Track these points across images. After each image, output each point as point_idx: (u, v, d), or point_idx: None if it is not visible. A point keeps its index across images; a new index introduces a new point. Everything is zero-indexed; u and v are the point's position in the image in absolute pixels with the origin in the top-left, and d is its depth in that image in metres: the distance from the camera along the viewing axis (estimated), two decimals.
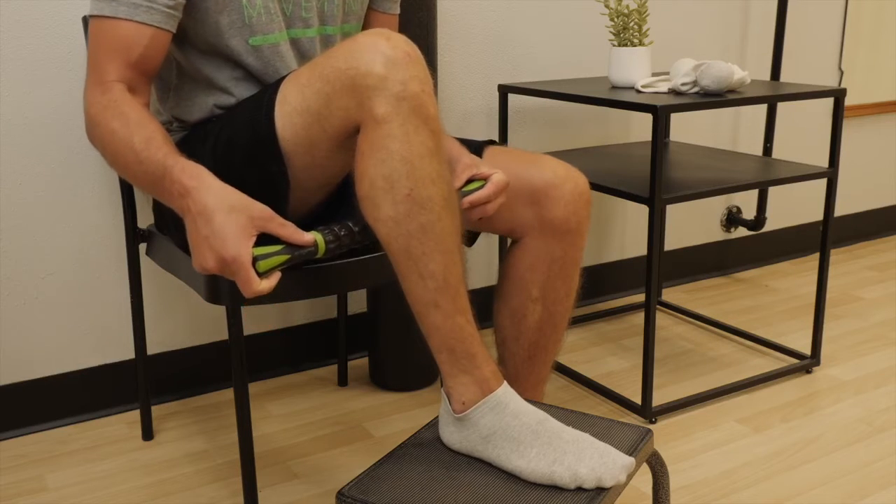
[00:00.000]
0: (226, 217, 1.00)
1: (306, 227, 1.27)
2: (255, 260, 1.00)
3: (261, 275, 1.01)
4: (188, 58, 1.28)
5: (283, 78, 1.15)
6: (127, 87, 1.17)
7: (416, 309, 1.02)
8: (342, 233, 1.08)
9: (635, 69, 1.81)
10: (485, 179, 1.20)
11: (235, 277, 1.00)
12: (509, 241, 1.36)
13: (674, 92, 1.74)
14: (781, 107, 2.60)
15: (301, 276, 1.25)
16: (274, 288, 1.02)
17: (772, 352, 2.06)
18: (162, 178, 1.07)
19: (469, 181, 1.20)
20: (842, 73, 2.72)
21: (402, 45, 1.02)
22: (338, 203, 1.25)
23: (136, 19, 1.15)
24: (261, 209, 1.02)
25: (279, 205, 1.15)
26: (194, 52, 1.27)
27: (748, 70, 2.51)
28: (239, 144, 1.17)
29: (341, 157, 1.10)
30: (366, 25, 1.43)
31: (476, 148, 1.33)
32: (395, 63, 1.00)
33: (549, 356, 1.37)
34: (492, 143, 1.37)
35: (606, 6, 1.84)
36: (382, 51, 1.00)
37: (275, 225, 1.03)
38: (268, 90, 1.15)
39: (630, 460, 0.99)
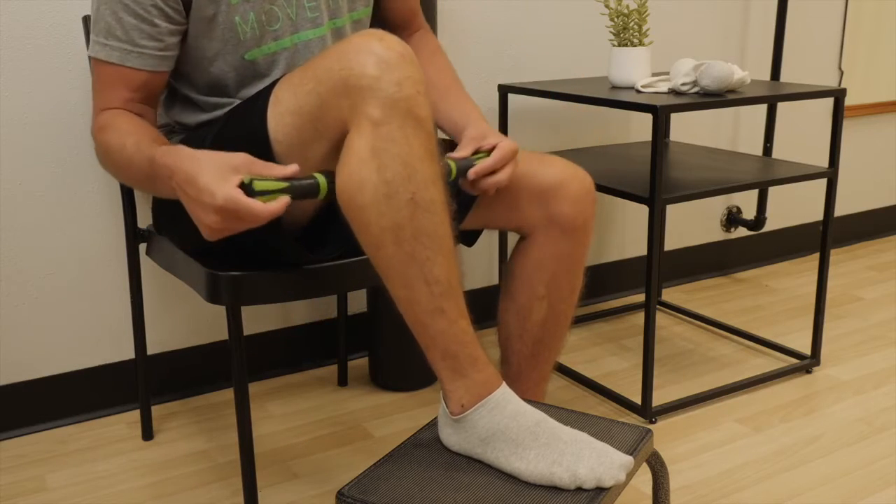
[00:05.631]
0: (208, 173, 1.00)
1: (304, 234, 1.27)
2: (250, 187, 1.00)
3: (260, 194, 1.00)
4: (180, 85, 1.29)
5: (277, 79, 1.14)
6: (130, 111, 1.21)
7: (419, 317, 1.00)
8: None
9: (635, 69, 1.81)
10: (491, 149, 1.20)
11: (239, 216, 0.99)
12: (516, 239, 1.37)
13: (674, 92, 1.74)
14: (781, 107, 2.60)
15: (301, 276, 1.25)
16: (284, 208, 1.01)
17: (772, 352, 2.06)
18: (151, 168, 1.10)
19: (475, 153, 1.20)
20: (842, 73, 2.72)
21: (396, 46, 1.01)
22: (335, 208, 1.25)
23: (126, 65, 1.18)
24: (240, 157, 1.02)
25: None
26: (185, 82, 1.29)
27: (748, 70, 2.51)
28: (234, 145, 1.16)
29: (335, 160, 1.10)
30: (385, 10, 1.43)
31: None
32: (389, 64, 0.99)
33: (552, 354, 1.38)
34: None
35: (606, 6, 1.84)
36: (375, 51, 1.00)
37: (258, 167, 1.03)
38: (263, 91, 1.15)
39: (629, 459, 0.99)
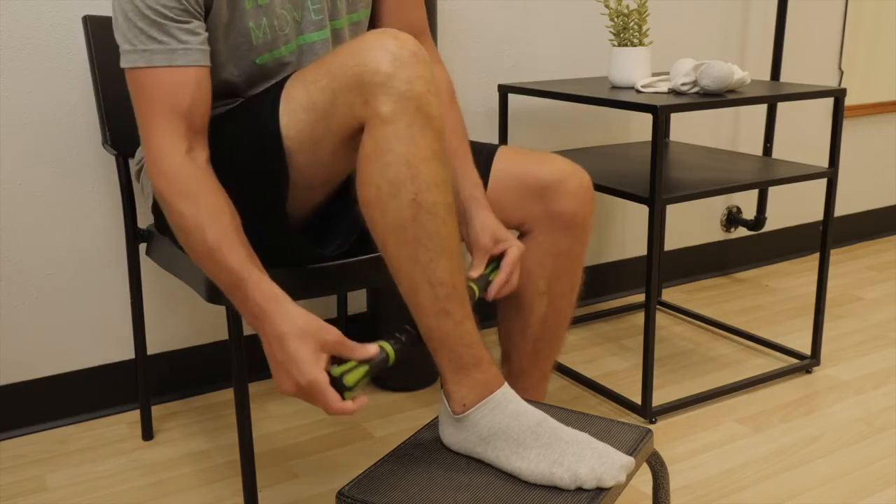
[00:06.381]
0: (299, 343, 0.98)
1: (309, 229, 1.27)
2: (341, 377, 0.98)
3: (348, 390, 0.99)
4: None
5: (288, 76, 1.14)
6: (186, 146, 1.11)
7: (424, 320, 1.01)
8: (404, 338, 1.05)
9: (635, 69, 1.81)
10: (499, 258, 1.21)
11: (314, 401, 0.98)
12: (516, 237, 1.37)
13: (674, 92, 1.74)
14: (781, 107, 2.60)
15: (302, 275, 1.25)
16: (361, 407, 1.00)
17: (772, 352, 2.06)
18: (235, 287, 1.05)
19: (488, 263, 1.21)
20: (842, 73, 2.72)
21: (410, 45, 1.01)
22: (339, 204, 1.25)
23: (175, 64, 1.10)
24: (333, 334, 0.99)
25: (278, 202, 1.15)
26: None
27: (748, 70, 2.51)
28: (242, 141, 1.16)
29: (344, 157, 1.10)
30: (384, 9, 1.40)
31: (488, 152, 1.34)
32: (403, 62, 1.00)
33: (552, 351, 1.38)
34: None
35: (606, 6, 1.84)
36: (390, 49, 1.00)
37: (345, 348, 1.00)
38: (273, 87, 1.15)
39: (629, 460, 0.99)
